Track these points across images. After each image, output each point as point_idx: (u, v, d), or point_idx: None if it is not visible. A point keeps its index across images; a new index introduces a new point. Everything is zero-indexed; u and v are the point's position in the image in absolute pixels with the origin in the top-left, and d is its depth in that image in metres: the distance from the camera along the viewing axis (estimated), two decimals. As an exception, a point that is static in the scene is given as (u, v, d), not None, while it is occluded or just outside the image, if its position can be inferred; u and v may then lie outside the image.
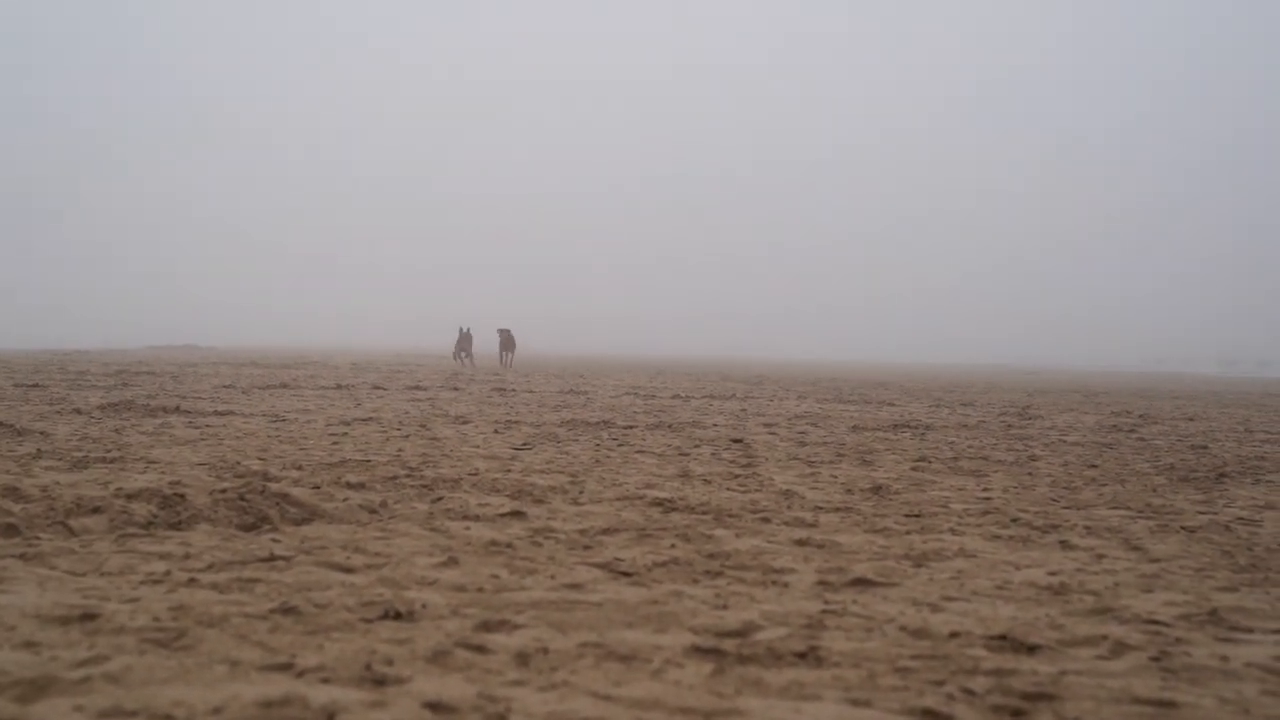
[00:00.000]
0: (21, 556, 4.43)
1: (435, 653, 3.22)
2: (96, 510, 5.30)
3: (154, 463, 7.36)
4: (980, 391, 25.82)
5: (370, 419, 12.04)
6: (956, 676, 3.14)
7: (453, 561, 4.52)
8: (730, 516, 5.86)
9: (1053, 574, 4.60)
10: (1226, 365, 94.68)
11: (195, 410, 12.58)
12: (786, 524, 5.70)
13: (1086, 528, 5.82)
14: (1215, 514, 6.41)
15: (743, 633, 3.55)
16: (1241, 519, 6.24)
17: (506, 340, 39.50)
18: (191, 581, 4.05)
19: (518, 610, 3.75)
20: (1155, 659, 3.37)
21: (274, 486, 5.95)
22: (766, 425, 12.64)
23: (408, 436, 9.94)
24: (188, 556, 4.51)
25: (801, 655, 3.31)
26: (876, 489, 7.07)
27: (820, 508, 6.25)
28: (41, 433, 9.31)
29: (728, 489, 6.93)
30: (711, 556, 4.79)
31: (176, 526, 5.18)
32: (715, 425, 12.41)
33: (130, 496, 5.58)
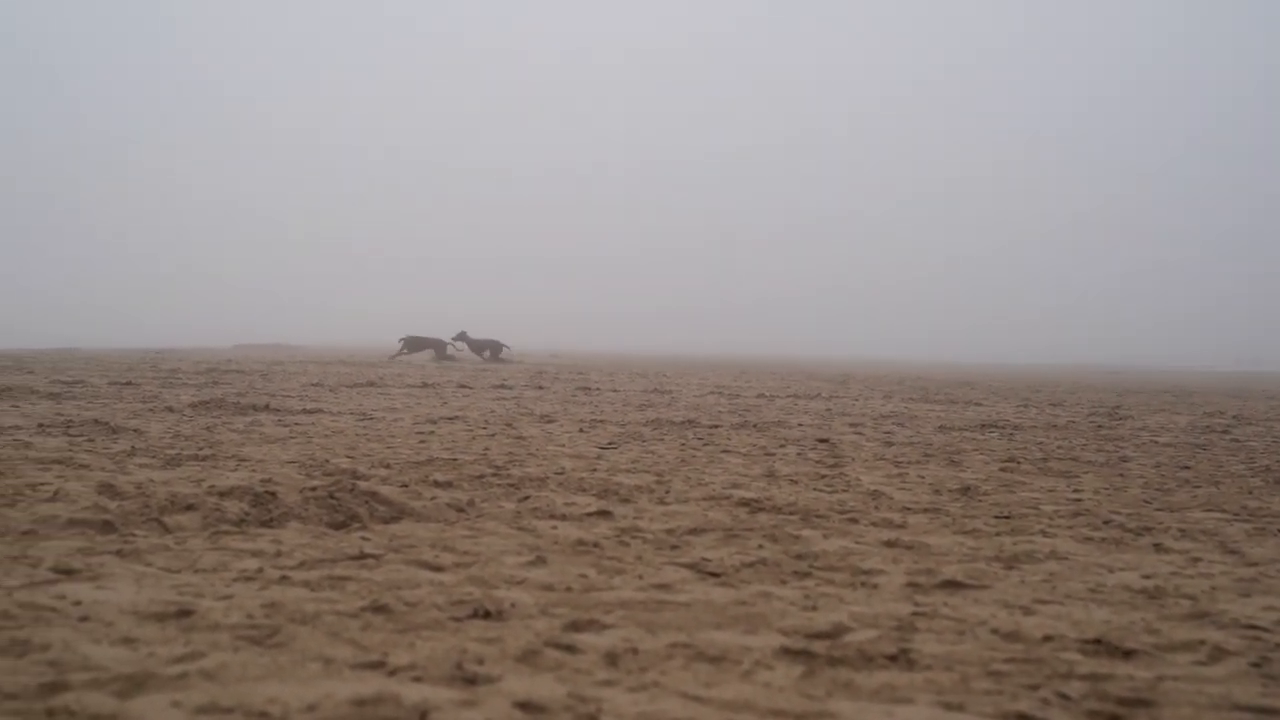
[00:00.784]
0: (118, 553, 4.50)
1: (525, 652, 3.23)
2: (190, 508, 5.37)
3: (245, 460, 7.45)
4: (1068, 391, 25.51)
5: (456, 417, 12.11)
6: (1051, 681, 3.10)
7: (541, 561, 4.53)
8: (817, 517, 5.83)
9: (1147, 577, 4.53)
10: (1243, 364, 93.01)
11: (284, 408, 12.72)
12: (874, 525, 5.66)
13: (1181, 530, 5.72)
14: (1314, 517, 6.27)
15: (832, 634, 3.53)
16: (1341, 522, 6.11)
17: (477, 346, 39.37)
18: (284, 579, 4.09)
19: (606, 610, 3.75)
20: (1255, 665, 3.31)
21: (363, 485, 6.00)
22: (852, 425, 12.56)
23: (493, 435, 9.99)
24: (279, 554, 4.56)
25: (892, 658, 3.29)
26: (965, 490, 7.00)
27: (908, 508, 6.20)
28: (136, 430, 9.46)
29: (814, 489, 6.89)
30: (799, 557, 4.76)
31: (268, 524, 5.24)
32: (800, 425, 12.36)
33: (223, 494, 5.65)
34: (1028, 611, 3.90)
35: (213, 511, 5.32)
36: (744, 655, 3.27)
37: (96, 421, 10.11)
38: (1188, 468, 8.77)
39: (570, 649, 3.28)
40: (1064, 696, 2.97)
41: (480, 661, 3.13)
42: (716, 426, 11.74)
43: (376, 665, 3.07)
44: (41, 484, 5.95)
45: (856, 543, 5.15)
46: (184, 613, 3.56)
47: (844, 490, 6.87)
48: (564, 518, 5.64)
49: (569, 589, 4.06)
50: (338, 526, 5.28)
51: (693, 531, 5.32)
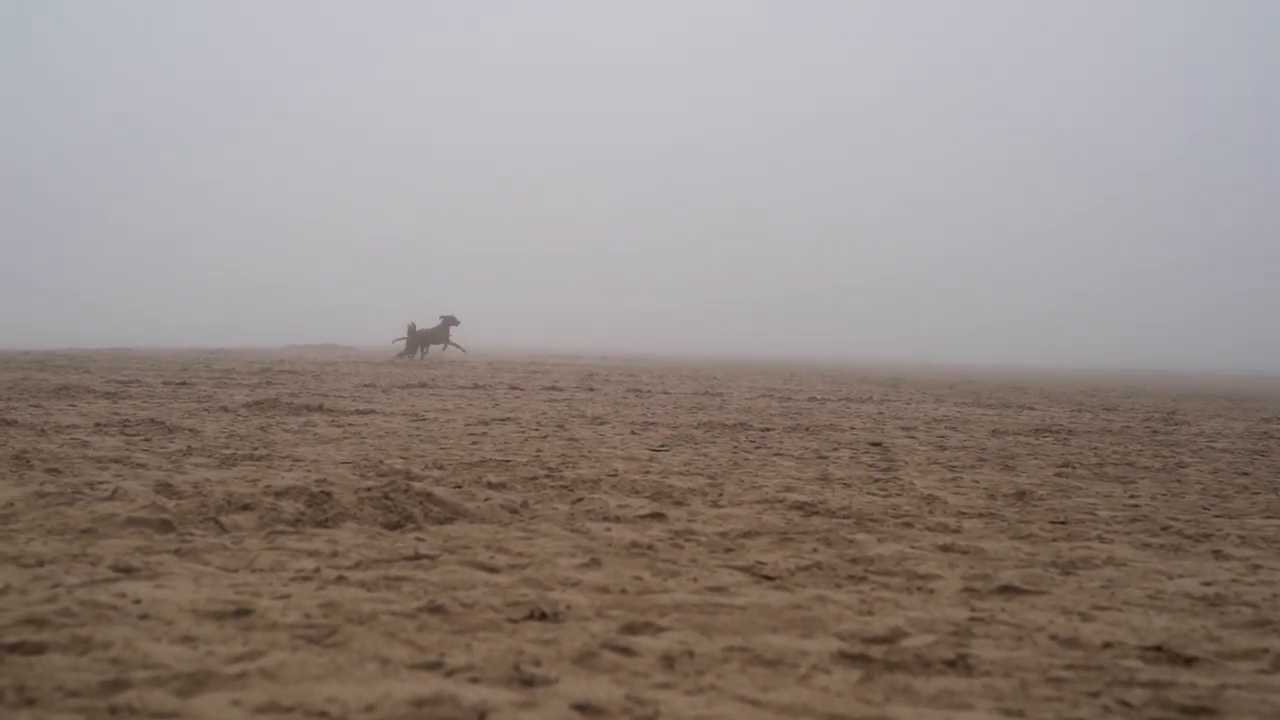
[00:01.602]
0: (176, 552, 4.54)
1: (582, 654, 3.23)
2: (246, 507, 5.41)
3: (300, 461, 7.50)
4: (1123, 396, 25.29)
5: (508, 419, 12.15)
6: (1112, 688, 3.07)
7: (595, 563, 4.53)
8: (872, 521, 5.80)
9: (1207, 584, 4.48)
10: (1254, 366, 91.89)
11: (338, 409, 12.80)
12: (929, 529, 5.63)
13: (1240, 537, 5.66)
14: (1376, 524, 6.19)
15: (890, 639, 3.51)
16: (1404, 530, 6.02)
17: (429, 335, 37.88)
18: (340, 579, 4.11)
19: (662, 613, 3.75)
20: (1320, 674, 3.27)
21: (417, 485, 6.02)
22: (905, 429, 12.50)
23: (546, 437, 10.01)
24: (335, 554, 4.59)
25: (950, 663, 3.27)
26: (1020, 495, 6.95)
27: (963, 513, 6.16)
28: (191, 430, 9.55)
29: (868, 493, 6.87)
30: (854, 561, 4.75)
31: (324, 524, 5.28)
32: (853, 428, 12.31)
33: (278, 494, 5.69)
34: (1086, 618, 3.87)
35: (269, 511, 5.36)
36: (801, 659, 3.26)
37: (152, 421, 10.21)
38: (1246, 474, 8.67)
39: (627, 651, 3.28)
40: (1125, 704, 2.94)
41: (537, 663, 3.13)
42: (769, 429, 11.72)
43: (434, 666, 3.08)
44: (100, 483, 6.01)
45: (911, 547, 5.13)
46: (242, 612, 3.58)
47: (898, 494, 6.84)
48: (618, 520, 5.65)
49: (624, 591, 4.06)
50: (393, 527, 5.30)
51: (746, 535, 5.31)
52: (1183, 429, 13.85)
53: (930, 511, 6.19)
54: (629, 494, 6.46)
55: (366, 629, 3.44)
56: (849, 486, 7.14)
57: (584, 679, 3.02)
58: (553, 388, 19.85)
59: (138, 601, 3.67)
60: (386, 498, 5.67)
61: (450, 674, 3.02)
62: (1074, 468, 8.75)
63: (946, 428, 12.84)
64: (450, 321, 38.55)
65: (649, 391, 19.55)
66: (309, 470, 6.89)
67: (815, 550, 4.96)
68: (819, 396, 19.73)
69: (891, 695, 2.99)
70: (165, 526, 5.02)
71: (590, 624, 3.58)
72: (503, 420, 11.96)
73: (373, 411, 12.66)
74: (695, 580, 4.28)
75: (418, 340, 38.04)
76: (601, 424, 11.86)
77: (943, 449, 10.06)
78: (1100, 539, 5.50)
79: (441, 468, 7.29)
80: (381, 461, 7.54)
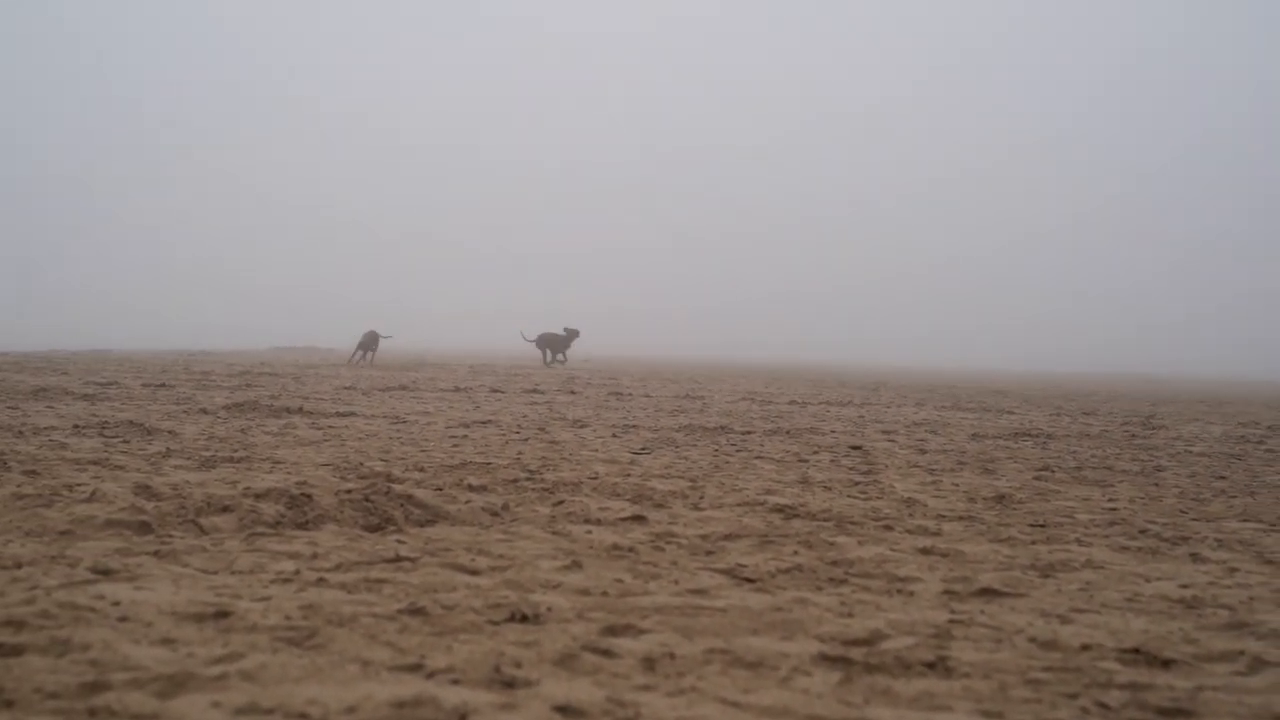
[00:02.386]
0: (155, 554, 4.53)
1: (563, 656, 3.23)
2: (226, 509, 5.40)
3: (280, 463, 7.49)
4: (1102, 400, 25.37)
5: (489, 421, 12.13)
6: (1090, 690, 3.09)
7: (576, 565, 4.53)
8: (852, 524, 5.82)
9: (1184, 587, 4.51)
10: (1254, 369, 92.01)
11: (318, 411, 12.77)
12: (909, 532, 5.65)
13: (1217, 540, 5.69)
14: (1353, 528, 6.23)
15: (870, 641, 3.52)
16: (1381, 533, 6.06)
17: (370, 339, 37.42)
18: (320, 581, 4.10)
19: (643, 615, 3.76)
20: (1296, 676, 3.29)
21: (397, 488, 6.02)
22: (885, 432, 12.53)
23: (527, 440, 10.01)
24: (316, 556, 4.58)
25: (930, 665, 3.28)
26: (1000, 498, 6.98)
27: (943, 516, 6.18)
28: (170, 432, 9.52)
29: (849, 496, 6.88)
30: (835, 564, 4.76)
31: (304, 526, 5.27)
32: (833, 432, 12.33)
33: (258, 496, 5.68)
34: (1065, 620, 3.89)
35: (249, 513, 5.35)
36: (781, 661, 3.27)
37: (131, 423, 10.18)
38: (1223, 478, 8.71)
39: (607, 653, 3.29)
40: (1103, 706, 2.96)
41: (518, 665, 3.13)
42: (749, 432, 11.73)
43: (415, 668, 3.08)
44: (78, 484, 5.99)
45: (892, 550, 5.14)
46: (222, 614, 3.58)
47: (878, 497, 6.85)
48: (598, 522, 5.65)
49: (605, 593, 4.07)
50: (373, 529, 5.30)
51: (727, 537, 5.32)
52: (1160, 433, 13.90)
53: (910, 514, 6.21)
54: (610, 497, 6.46)
55: (347, 631, 3.44)
56: (829, 489, 7.16)
57: (565, 681, 3.02)
58: (534, 390, 19.83)
59: (117, 603, 3.66)
60: (367, 500, 5.67)
61: (431, 676, 3.02)
62: (1053, 471, 8.78)
63: (926, 431, 12.87)
64: (573, 334, 39.91)
65: (630, 395, 19.55)
66: (289, 472, 6.87)
67: (796, 553, 4.97)
68: (799, 400, 19.75)
69: (871, 697, 3.00)
70: (144, 528, 5.01)
71: (571, 626, 3.59)
72: (484, 423, 11.95)
73: (353, 414, 12.63)
74: (676, 582, 4.28)
75: (546, 344, 39.82)
76: (583, 427, 11.85)
77: (923, 452, 10.09)
78: (1079, 542, 5.52)
79: (422, 470, 7.28)
80: (362, 464, 7.53)
